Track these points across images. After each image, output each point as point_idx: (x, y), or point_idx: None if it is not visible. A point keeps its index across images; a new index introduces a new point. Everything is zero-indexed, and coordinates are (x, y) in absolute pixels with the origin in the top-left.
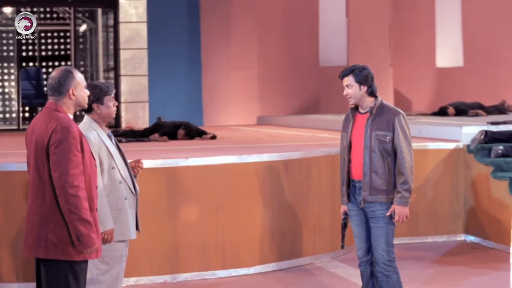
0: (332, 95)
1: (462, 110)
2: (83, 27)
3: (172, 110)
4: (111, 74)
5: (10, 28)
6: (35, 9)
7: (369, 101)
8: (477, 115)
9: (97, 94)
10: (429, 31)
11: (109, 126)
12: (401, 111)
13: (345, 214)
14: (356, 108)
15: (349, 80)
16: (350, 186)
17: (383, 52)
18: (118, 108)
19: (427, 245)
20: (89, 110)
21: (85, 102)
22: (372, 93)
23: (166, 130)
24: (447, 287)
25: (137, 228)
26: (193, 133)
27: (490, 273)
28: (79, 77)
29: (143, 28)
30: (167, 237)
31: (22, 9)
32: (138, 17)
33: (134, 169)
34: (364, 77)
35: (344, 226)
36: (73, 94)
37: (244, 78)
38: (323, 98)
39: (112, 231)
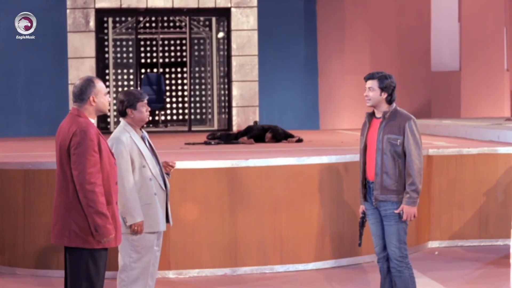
0: (443, 100)
1: None
2: (199, 35)
3: (286, 115)
4: (225, 80)
5: (130, 37)
6: (158, 19)
7: (385, 107)
8: None
9: (130, 100)
10: None
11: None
12: (413, 116)
13: (363, 213)
14: (372, 114)
15: (372, 83)
16: (366, 186)
17: (499, 57)
18: (230, 111)
19: (496, 248)
20: (124, 114)
21: (105, 108)
22: (390, 101)
23: (254, 133)
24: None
25: (167, 221)
26: (280, 136)
27: None
28: (99, 85)
29: (254, 35)
30: (228, 232)
31: (141, 19)
32: (249, 25)
33: (166, 168)
34: (387, 85)
35: (362, 224)
36: (93, 101)
37: (357, 83)
38: (435, 103)
39: (142, 223)
